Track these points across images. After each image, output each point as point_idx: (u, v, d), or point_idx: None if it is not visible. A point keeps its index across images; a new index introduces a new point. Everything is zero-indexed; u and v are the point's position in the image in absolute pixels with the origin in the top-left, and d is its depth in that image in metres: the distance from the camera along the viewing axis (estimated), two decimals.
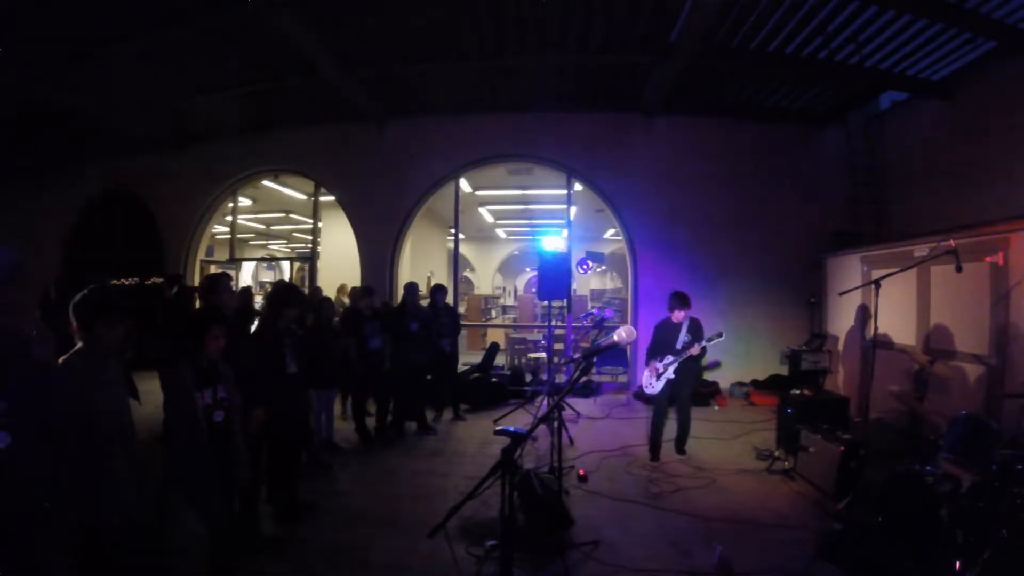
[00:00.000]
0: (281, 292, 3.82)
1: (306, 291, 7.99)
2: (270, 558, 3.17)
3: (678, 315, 4.84)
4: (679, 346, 4.81)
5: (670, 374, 4.82)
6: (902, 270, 4.30)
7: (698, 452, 5.06)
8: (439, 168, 8.19)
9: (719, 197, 7.73)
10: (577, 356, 4.67)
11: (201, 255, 9.34)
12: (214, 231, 10.10)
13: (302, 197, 10.39)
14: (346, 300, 6.01)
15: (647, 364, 5.01)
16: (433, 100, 7.71)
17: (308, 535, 3.45)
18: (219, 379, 2.61)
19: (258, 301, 10.32)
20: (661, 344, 4.92)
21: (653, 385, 4.92)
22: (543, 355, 8.64)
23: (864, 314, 5.90)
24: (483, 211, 12.87)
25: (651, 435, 4.92)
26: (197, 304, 4.71)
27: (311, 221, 9.49)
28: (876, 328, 4.33)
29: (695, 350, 4.74)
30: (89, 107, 7.49)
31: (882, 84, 6.50)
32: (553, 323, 7.43)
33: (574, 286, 10.09)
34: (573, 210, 9.57)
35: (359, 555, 3.21)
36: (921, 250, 4.89)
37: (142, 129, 8.45)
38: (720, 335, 4.71)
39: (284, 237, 17.35)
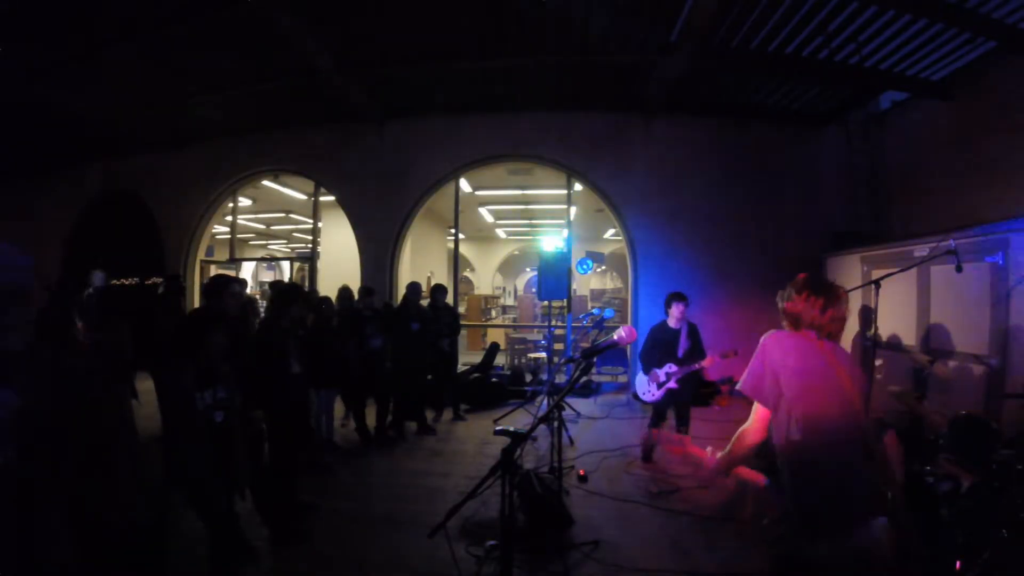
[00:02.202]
0: (284, 291, 3.83)
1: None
2: (270, 559, 3.17)
3: (676, 312, 4.65)
4: (681, 354, 4.62)
5: (672, 384, 4.63)
6: (902, 270, 4.28)
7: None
8: (439, 168, 8.18)
9: (719, 197, 7.72)
10: (577, 356, 4.58)
11: (201, 255, 9.33)
12: (214, 231, 10.08)
13: (302, 197, 10.39)
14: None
15: (646, 371, 4.79)
16: (433, 100, 7.69)
17: (308, 535, 3.45)
18: (219, 379, 2.61)
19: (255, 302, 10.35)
20: (660, 350, 4.70)
21: (652, 393, 4.73)
22: (543, 355, 8.64)
23: (864, 314, 5.90)
24: (483, 211, 12.87)
25: (646, 438, 4.80)
26: (186, 303, 4.72)
27: (311, 221, 9.48)
28: (876, 328, 4.33)
29: (707, 362, 4.55)
30: (89, 107, 7.49)
31: (882, 84, 6.48)
32: (553, 323, 7.44)
33: (574, 286, 10.09)
34: (573, 210, 9.57)
35: (359, 555, 3.21)
36: (921, 250, 4.89)
37: (142, 129, 8.44)
38: (735, 352, 4.48)
39: (284, 237, 17.36)
